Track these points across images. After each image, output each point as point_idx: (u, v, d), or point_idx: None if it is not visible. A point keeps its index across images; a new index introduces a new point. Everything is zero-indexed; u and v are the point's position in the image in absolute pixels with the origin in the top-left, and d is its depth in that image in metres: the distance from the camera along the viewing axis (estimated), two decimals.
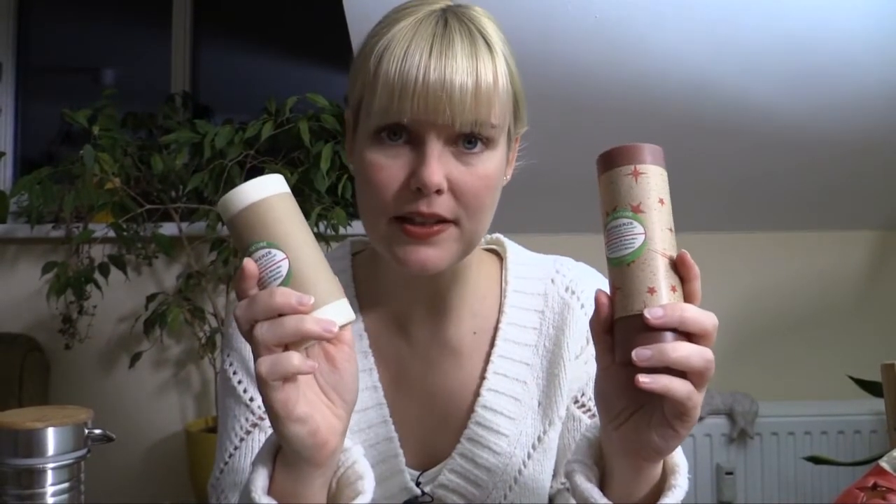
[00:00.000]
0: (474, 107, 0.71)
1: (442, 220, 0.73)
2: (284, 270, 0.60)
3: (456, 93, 0.70)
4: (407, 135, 0.73)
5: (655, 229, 0.61)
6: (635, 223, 0.61)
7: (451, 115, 0.70)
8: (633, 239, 0.61)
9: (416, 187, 0.72)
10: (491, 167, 0.75)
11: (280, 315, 0.59)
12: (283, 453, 0.66)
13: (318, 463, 0.65)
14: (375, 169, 0.73)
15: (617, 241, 0.62)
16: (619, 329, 0.62)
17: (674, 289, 0.61)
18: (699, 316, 0.60)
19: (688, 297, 0.62)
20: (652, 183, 0.62)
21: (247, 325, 0.60)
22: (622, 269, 0.62)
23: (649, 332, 0.60)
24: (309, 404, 0.63)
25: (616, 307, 0.62)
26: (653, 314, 0.60)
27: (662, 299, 0.60)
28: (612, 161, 0.63)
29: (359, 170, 0.76)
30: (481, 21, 0.75)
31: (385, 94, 0.71)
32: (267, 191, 0.61)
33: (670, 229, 0.62)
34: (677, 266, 0.61)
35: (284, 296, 0.59)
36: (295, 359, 0.59)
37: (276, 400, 0.60)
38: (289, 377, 0.60)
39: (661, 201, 0.62)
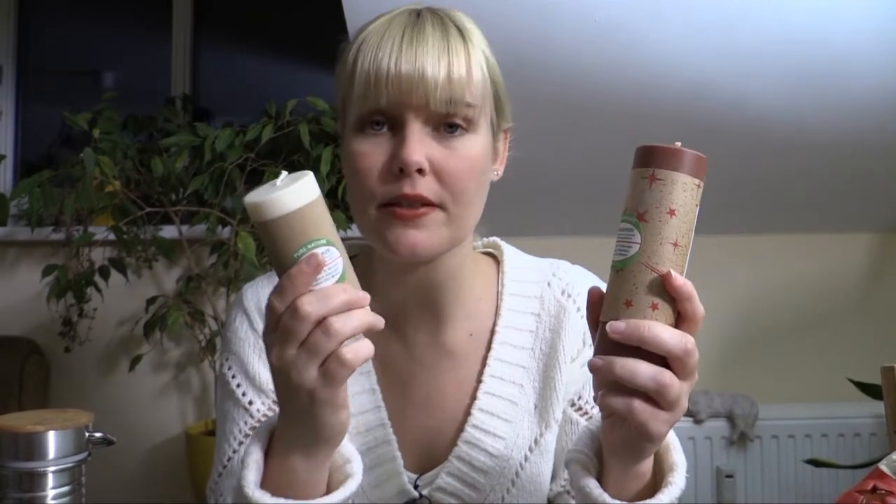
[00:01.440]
0: (448, 85, 0.73)
1: (427, 204, 0.74)
2: (341, 267, 0.61)
3: (428, 72, 0.72)
4: (388, 121, 0.75)
5: (654, 241, 0.59)
6: (635, 231, 0.59)
7: (426, 95, 0.72)
8: (628, 247, 0.60)
9: (397, 168, 0.73)
10: (473, 151, 0.76)
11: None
12: (292, 445, 0.65)
13: (337, 444, 0.67)
14: (359, 157, 0.75)
15: (618, 244, 0.61)
16: (599, 331, 0.62)
17: (655, 306, 0.59)
18: (664, 337, 0.58)
19: (682, 318, 0.60)
20: (666, 192, 0.59)
21: (318, 317, 0.59)
22: (613, 274, 0.61)
23: (613, 343, 0.59)
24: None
25: (602, 309, 0.62)
26: (613, 328, 0.59)
27: (636, 314, 0.59)
28: (638, 159, 0.61)
29: (346, 164, 0.78)
30: (458, 16, 0.78)
31: (361, 83, 0.73)
32: (317, 188, 0.61)
33: (674, 244, 0.59)
34: (664, 285, 0.59)
35: (357, 293, 0.61)
36: (369, 344, 0.62)
37: (342, 388, 0.62)
38: (362, 362, 0.62)
39: (672, 213, 0.59)
